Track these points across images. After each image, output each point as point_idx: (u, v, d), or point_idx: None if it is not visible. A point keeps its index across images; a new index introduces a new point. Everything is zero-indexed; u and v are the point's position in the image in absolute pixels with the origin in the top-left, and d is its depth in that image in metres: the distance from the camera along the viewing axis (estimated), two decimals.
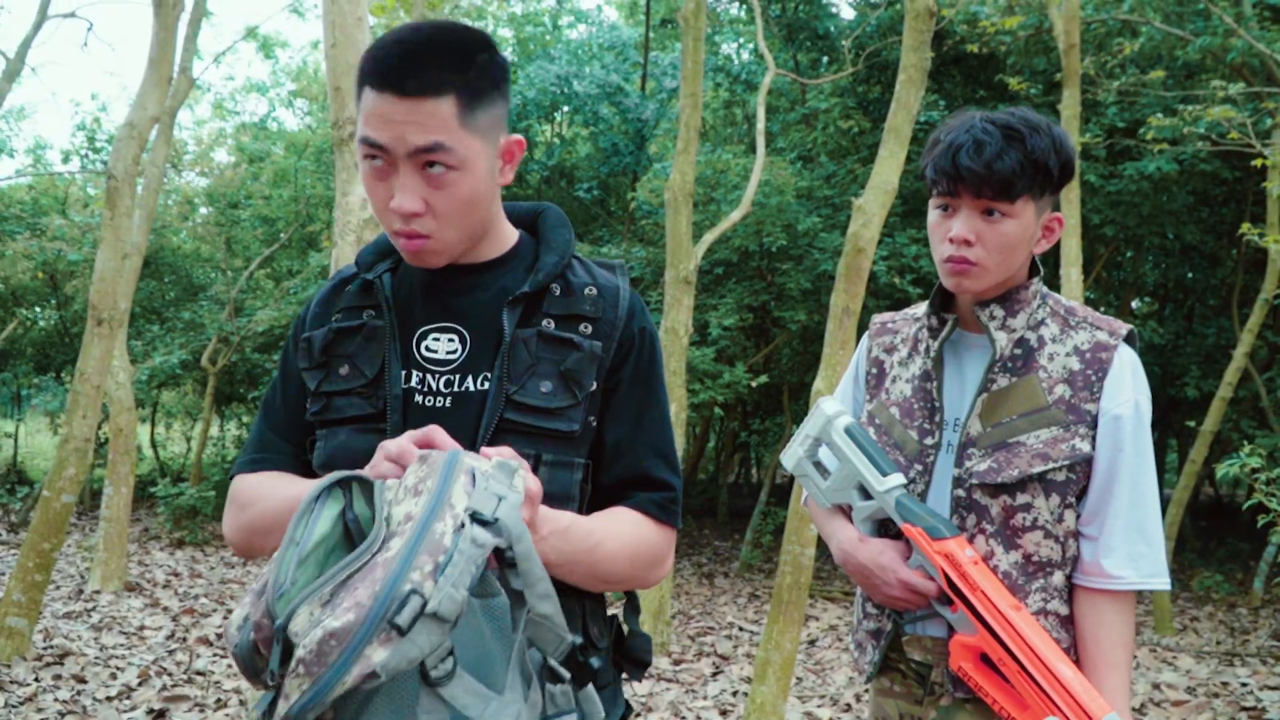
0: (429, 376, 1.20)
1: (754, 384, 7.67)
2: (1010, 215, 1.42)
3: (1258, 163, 5.57)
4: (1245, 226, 5.14)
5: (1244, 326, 6.79)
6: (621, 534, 1.18)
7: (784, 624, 3.78)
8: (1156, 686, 5.01)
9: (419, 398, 1.19)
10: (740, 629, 6.25)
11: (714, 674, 5.16)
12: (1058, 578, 1.47)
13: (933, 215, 1.49)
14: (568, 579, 1.14)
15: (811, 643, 5.88)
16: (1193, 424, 6.99)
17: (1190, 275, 9.62)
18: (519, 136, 1.19)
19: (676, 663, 5.35)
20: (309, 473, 1.25)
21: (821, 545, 4.01)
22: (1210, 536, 10.13)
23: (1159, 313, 10.54)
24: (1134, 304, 10.23)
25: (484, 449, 1.01)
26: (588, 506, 1.22)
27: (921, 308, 1.65)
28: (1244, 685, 5.08)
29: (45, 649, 4.94)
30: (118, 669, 4.75)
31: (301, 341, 1.27)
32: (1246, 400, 8.10)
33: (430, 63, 1.07)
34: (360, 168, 1.16)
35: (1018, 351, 1.49)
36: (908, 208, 8.05)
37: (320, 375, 1.23)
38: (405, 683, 0.86)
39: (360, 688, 0.82)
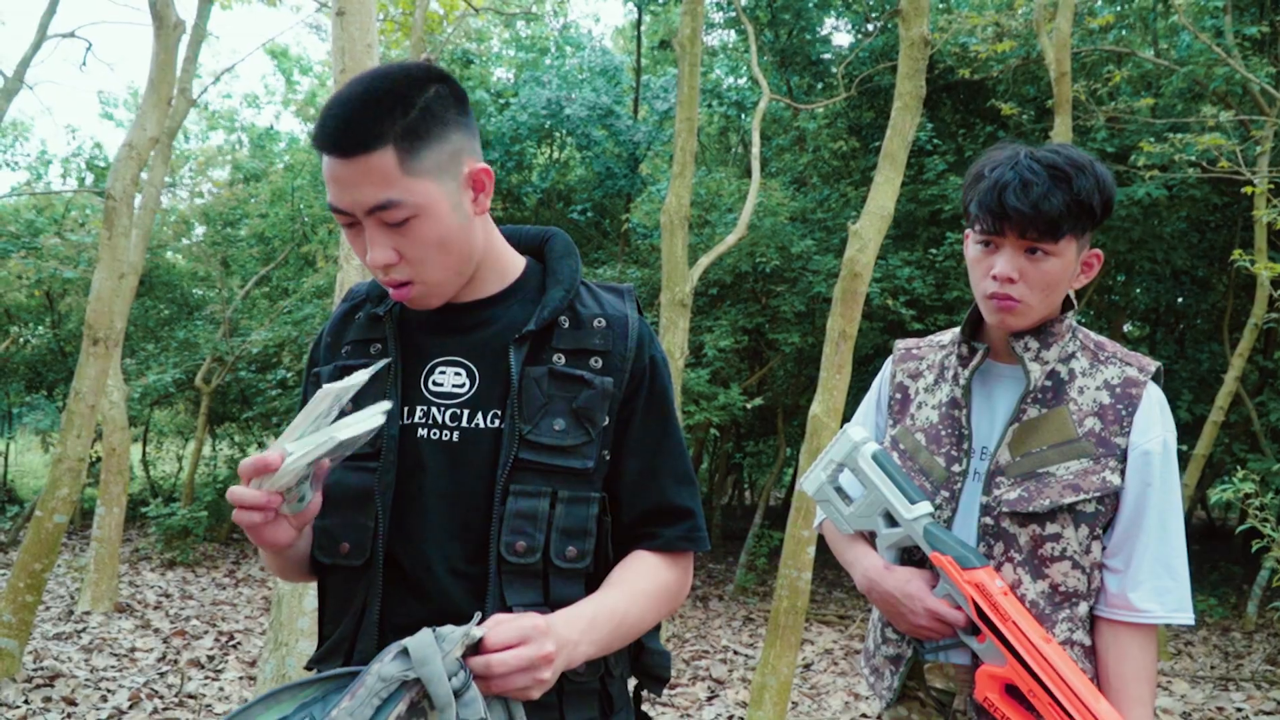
0: (434, 410, 1.19)
1: (749, 406, 7.68)
2: (1054, 254, 1.43)
3: (1248, 190, 5.63)
4: (1237, 253, 5.18)
5: (1235, 351, 6.84)
6: (644, 590, 1.20)
7: (781, 648, 3.78)
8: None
9: (422, 431, 1.18)
10: (735, 652, 6.23)
11: (709, 698, 5.14)
12: (1083, 608, 1.48)
13: (973, 250, 1.49)
14: (607, 653, 1.16)
15: (807, 667, 5.86)
16: (1185, 448, 7.01)
17: (1181, 300, 9.68)
18: (484, 165, 1.16)
19: (671, 687, 5.32)
20: None
21: (817, 569, 4.01)
22: (1203, 560, 10.13)
23: (1150, 337, 10.60)
24: (1125, 328, 10.27)
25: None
26: (611, 540, 1.22)
27: (947, 334, 1.66)
28: (1239, 710, 5.08)
29: (35, 670, 4.89)
30: (108, 691, 4.71)
31: (312, 376, 1.29)
32: (1238, 424, 8.14)
33: (363, 117, 1.06)
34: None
35: (1048, 383, 1.50)
36: (900, 231, 8.10)
37: None
38: None
39: None
